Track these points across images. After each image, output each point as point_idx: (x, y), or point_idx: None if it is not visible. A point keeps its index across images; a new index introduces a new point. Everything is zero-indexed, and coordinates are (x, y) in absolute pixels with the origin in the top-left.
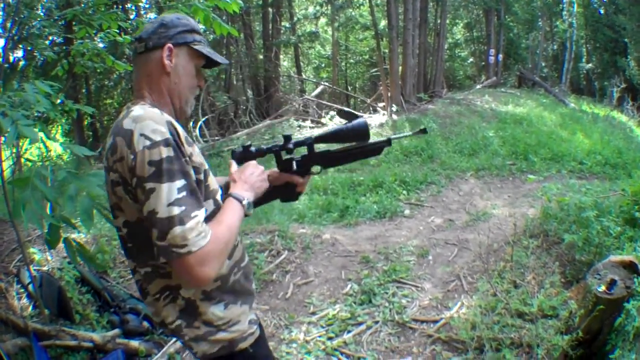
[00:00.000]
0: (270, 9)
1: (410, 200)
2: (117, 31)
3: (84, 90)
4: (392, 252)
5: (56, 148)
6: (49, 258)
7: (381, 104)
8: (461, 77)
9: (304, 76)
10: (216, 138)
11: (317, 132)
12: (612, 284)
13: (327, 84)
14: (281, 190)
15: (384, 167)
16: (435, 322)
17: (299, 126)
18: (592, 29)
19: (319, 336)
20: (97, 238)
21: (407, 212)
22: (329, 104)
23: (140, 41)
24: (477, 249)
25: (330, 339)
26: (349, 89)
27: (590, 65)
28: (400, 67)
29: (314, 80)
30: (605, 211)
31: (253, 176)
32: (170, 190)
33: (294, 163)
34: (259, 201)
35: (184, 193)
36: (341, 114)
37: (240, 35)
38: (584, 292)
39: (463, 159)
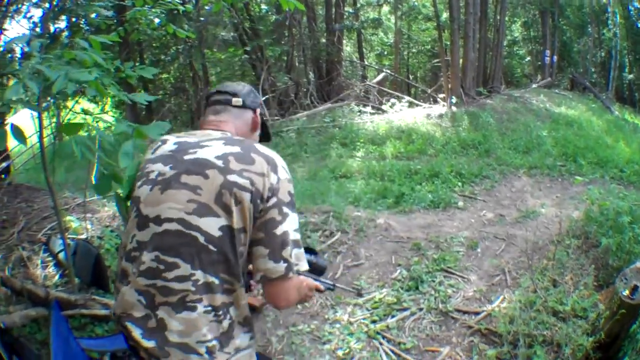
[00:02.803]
0: None
1: (465, 192)
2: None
3: (138, 64)
4: (442, 242)
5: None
6: (89, 227)
7: (441, 95)
8: (519, 75)
9: (366, 62)
10: (276, 118)
11: None
12: (634, 289)
13: (389, 71)
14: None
15: (441, 157)
16: (477, 314)
17: (360, 111)
18: (632, 40)
19: (363, 318)
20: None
21: (460, 203)
22: (390, 91)
23: (236, 96)
24: (523, 245)
25: (374, 322)
26: (410, 77)
27: (631, 76)
28: (460, 60)
29: (376, 67)
30: (638, 218)
31: (308, 290)
32: (296, 220)
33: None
34: None
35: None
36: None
37: (303, 18)
38: (611, 295)
39: (517, 155)
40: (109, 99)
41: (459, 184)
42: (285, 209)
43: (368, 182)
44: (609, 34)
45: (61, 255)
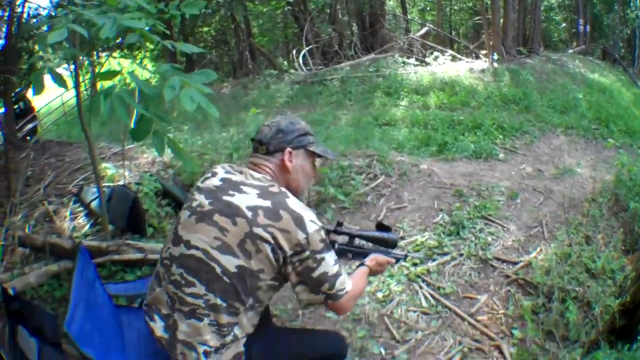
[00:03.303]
0: None
1: (505, 145)
2: None
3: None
4: (484, 190)
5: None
6: (126, 174)
7: (483, 52)
8: (555, 39)
9: (409, 16)
10: (320, 67)
11: (362, 231)
12: None
13: (431, 26)
14: None
15: (483, 110)
16: (515, 263)
17: (404, 63)
18: None
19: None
20: (187, 153)
21: (501, 155)
22: (433, 44)
23: (262, 144)
24: (560, 200)
25: (414, 265)
26: (453, 33)
27: None
28: (501, 20)
29: (419, 21)
30: None
31: (375, 267)
32: (331, 257)
33: (337, 244)
34: None
35: (336, 257)
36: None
37: None
38: (636, 259)
39: (555, 114)
40: (148, 52)
41: (500, 136)
42: (319, 256)
43: (411, 130)
44: (632, 14)
45: (94, 204)
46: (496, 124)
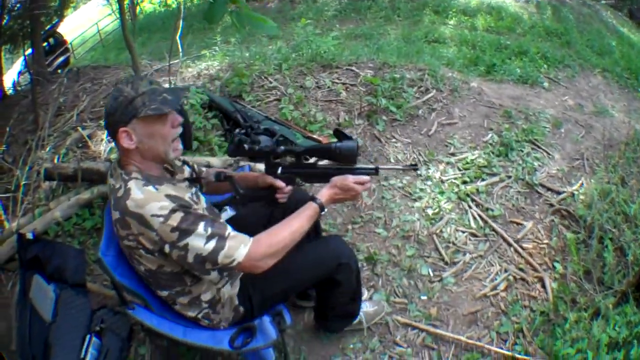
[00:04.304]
0: None
1: (549, 75)
2: None
3: None
4: (531, 115)
5: None
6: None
7: None
8: None
9: None
10: None
11: (309, 144)
12: None
13: None
14: (264, 194)
15: (528, 38)
16: (559, 193)
17: None
18: None
19: (454, 178)
20: (234, 65)
21: (545, 84)
22: None
23: (106, 131)
24: (599, 137)
25: (464, 183)
26: None
27: None
28: None
29: None
30: None
31: (340, 195)
32: (199, 236)
33: (280, 168)
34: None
35: (209, 229)
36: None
37: None
38: None
39: (592, 55)
40: None
41: (545, 66)
42: (181, 244)
43: (460, 49)
44: None
45: None
46: (540, 53)
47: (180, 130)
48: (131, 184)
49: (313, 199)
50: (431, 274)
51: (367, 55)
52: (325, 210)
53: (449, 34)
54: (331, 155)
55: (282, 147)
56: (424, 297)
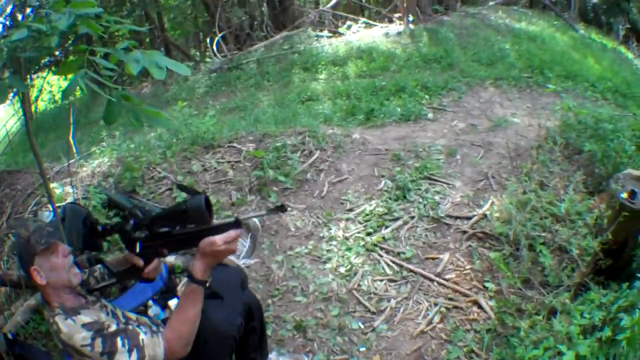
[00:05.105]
0: None
1: (433, 104)
2: None
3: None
4: (421, 151)
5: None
6: (69, 190)
7: (397, 15)
8: None
9: None
10: (234, 52)
11: (157, 212)
12: (633, 194)
13: None
14: (134, 272)
15: (405, 72)
16: (469, 218)
17: (317, 36)
18: None
19: (358, 232)
20: (122, 159)
21: (430, 115)
22: (344, 14)
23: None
24: (501, 151)
25: (369, 234)
26: (363, 0)
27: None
28: None
29: None
30: (620, 130)
31: (214, 261)
32: (122, 353)
33: (138, 244)
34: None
35: (127, 342)
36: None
37: None
38: (608, 198)
39: (481, 68)
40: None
41: (426, 96)
42: None
43: (335, 102)
44: None
45: None
46: (420, 85)
47: (71, 258)
48: (57, 320)
49: (190, 277)
50: (362, 326)
51: (246, 129)
52: (209, 279)
53: (321, 89)
54: (181, 217)
55: (132, 222)
56: (363, 349)
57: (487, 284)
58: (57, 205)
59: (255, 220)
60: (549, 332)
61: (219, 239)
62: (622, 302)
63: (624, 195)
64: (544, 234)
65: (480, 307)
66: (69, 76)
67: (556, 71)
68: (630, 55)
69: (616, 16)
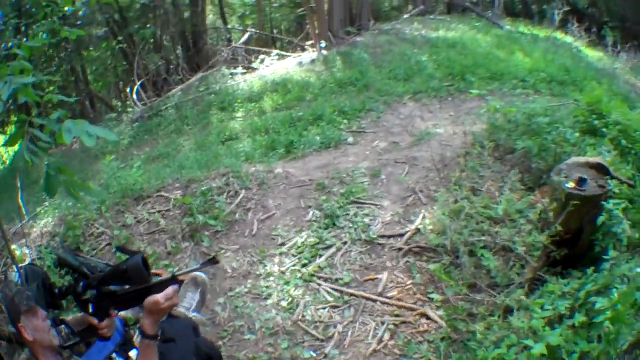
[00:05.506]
0: None
1: (352, 128)
2: None
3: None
4: (345, 176)
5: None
6: (27, 252)
7: (309, 43)
8: (387, 9)
9: (229, 26)
10: (154, 100)
11: (103, 268)
12: (582, 181)
13: (253, 30)
14: (93, 331)
15: (321, 100)
16: (402, 235)
17: (231, 74)
18: None
19: (293, 265)
20: (64, 218)
21: (350, 140)
22: (257, 48)
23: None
24: (427, 164)
25: (304, 266)
26: (275, 32)
27: None
28: (326, 4)
29: (240, 29)
30: (557, 121)
31: (159, 316)
32: None
33: (91, 305)
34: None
35: None
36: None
37: None
38: (551, 191)
39: (399, 84)
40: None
41: (345, 121)
42: None
43: (255, 139)
44: None
45: None
46: (337, 110)
47: (49, 321)
48: None
49: (142, 334)
50: (314, 354)
51: (171, 176)
52: (159, 332)
53: (240, 127)
54: (123, 277)
55: (82, 283)
56: None
57: (432, 296)
58: (20, 266)
59: (203, 275)
60: (508, 330)
61: (160, 297)
62: (592, 287)
63: (571, 184)
64: (483, 238)
65: (429, 318)
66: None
67: (480, 74)
68: (569, 39)
69: (552, 1)
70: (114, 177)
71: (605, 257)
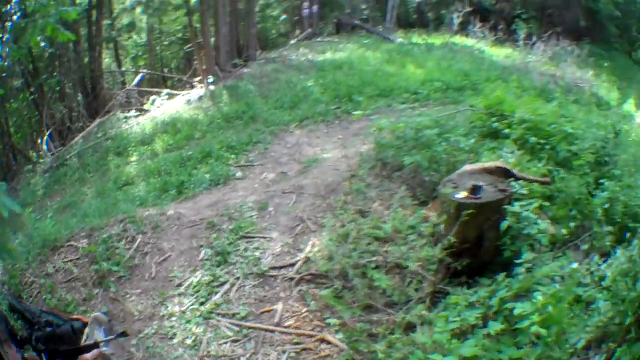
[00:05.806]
0: (94, 11)
1: (240, 162)
2: None
3: None
4: (234, 212)
5: None
6: None
7: (197, 78)
8: (274, 37)
9: (123, 69)
10: (59, 149)
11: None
12: (476, 189)
13: (145, 70)
14: None
15: (209, 137)
16: (293, 265)
17: (125, 118)
18: None
19: (192, 304)
20: (6, 267)
21: (239, 174)
22: (148, 89)
23: None
24: (313, 192)
25: (202, 304)
26: (165, 70)
27: None
28: (213, 39)
29: (133, 70)
30: (450, 130)
31: None
32: None
33: (44, 356)
34: None
35: None
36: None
37: (70, 44)
38: (440, 204)
39: (285, 113)
40: None
41: (233, 156)
42: None
43: (149, 182)
44: None
45: None
46: (225, 146)
47: (19, 356)
48: None
49: None
50: None
51: (78, 226)
52: None
53: (134, 171)
54: (60, 339)
55: (35, 337)
56: None
57: (329, 321)
58: None
59: (102, 315)
60: (412, 346)
61: (89, 356)
62: (506, 293)
63: (463, 194)
64: (374, 259)
65: (329, 343)
66: None
67: (367, 93)
68: (469, 42)
69: (450, 5)
70: (34, 228)
71: (518, 261)
